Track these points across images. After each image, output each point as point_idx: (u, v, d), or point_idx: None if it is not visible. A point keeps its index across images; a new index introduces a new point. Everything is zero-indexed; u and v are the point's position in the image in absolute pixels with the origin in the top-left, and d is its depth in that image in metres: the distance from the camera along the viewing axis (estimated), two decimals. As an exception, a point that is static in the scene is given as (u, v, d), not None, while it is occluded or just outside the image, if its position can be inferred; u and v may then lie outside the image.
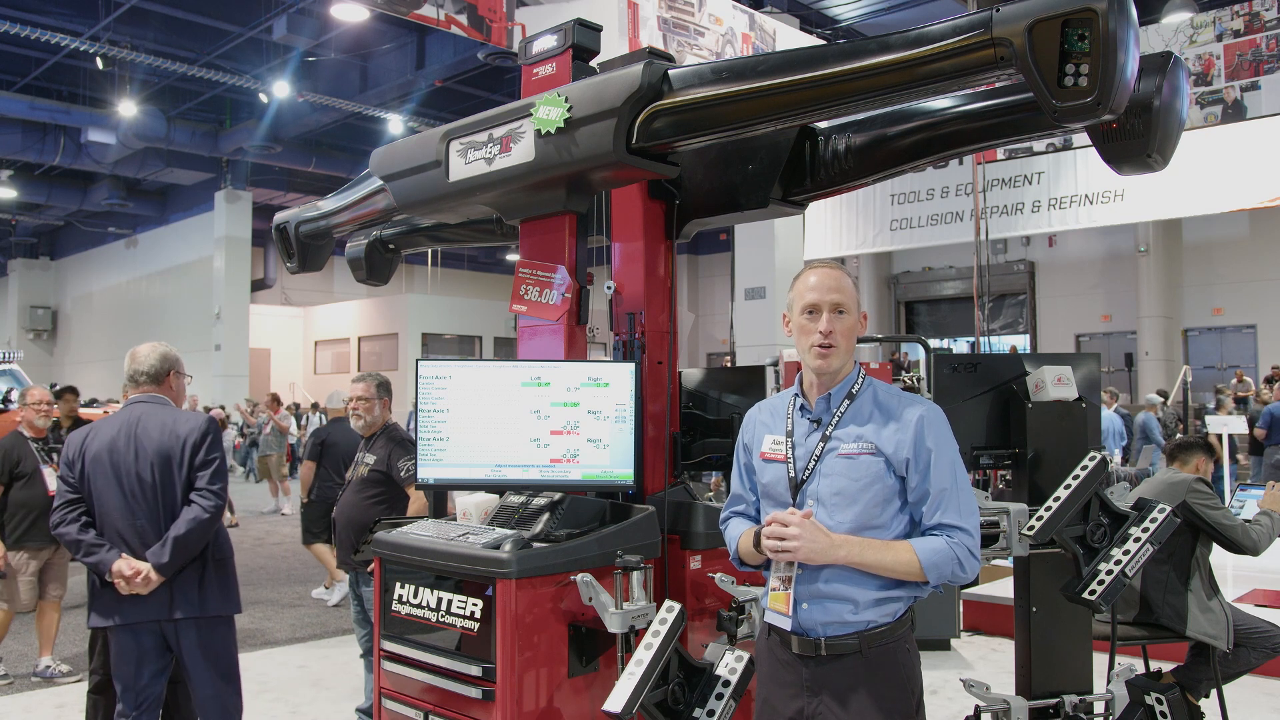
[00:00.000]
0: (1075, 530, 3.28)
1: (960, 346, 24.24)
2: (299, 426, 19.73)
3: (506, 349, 26.75)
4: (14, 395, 10.54)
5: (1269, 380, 15.13)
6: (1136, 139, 2.78)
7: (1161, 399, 15.31)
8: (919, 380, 7.68)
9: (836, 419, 2.28)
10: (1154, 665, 4.46)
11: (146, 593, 3.29)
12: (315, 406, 21.37)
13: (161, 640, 3.40)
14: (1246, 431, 12.30)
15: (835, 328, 2.25)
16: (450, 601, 2.90)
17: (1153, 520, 3.25)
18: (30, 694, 5.53)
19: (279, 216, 4.79)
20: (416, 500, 4.34)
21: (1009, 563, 3.88)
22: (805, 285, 2.30)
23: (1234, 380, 18.19)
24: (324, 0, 13.51)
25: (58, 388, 13.54)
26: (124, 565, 3.27)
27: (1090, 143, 2.89)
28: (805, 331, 2.28)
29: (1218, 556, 4.49)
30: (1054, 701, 3.52)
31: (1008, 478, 5.90)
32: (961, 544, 2.19)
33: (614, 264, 3.54)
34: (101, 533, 3.35)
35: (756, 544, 2.29)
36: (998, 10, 2.28)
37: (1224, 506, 4.36)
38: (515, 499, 3.20)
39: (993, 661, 5.98)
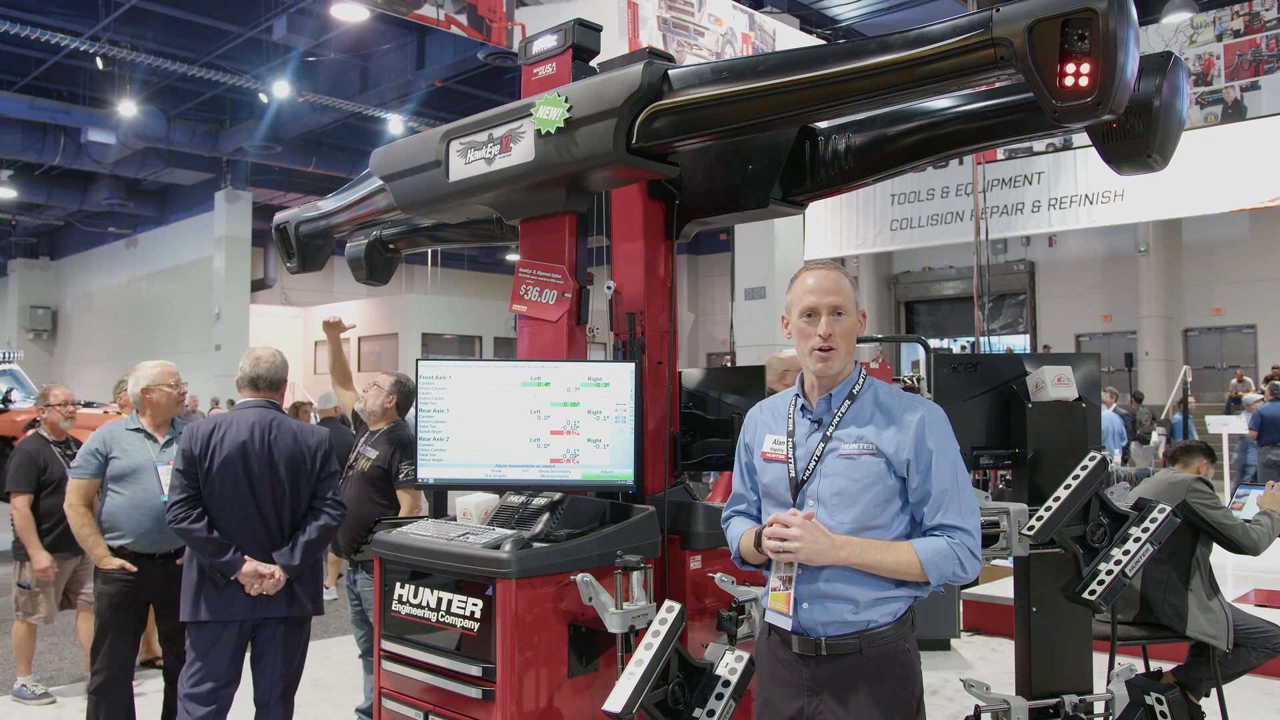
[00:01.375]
0: (1075, 530, 3.28)
1: (959, 346, 24.24)
2: None
3: (506, 349, 26.73)
4: (14, 395, 10.53)
5: (1269, 380, 15.12)
6: (1136, 139, 2.78)
7: (1135, 402, 15.22)
8: (919, 380, 7.69)
9: (837, 419, 2.28)
10: (1154, 665, 4.46)
11: (273, 593, 3.51)
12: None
13: (246, 639, 3.58)
14: (1245, 431, 12.33)
15: (834, 330, 2.25)
16: (450, 601, 2.90)
17: (1153, 520, 3.25)
18: (30, 694, 5.52)
19: (279, 216, 4.79)
20: (405, 503, 4.34)
21: (1009, 563, 3.88)
22: (803, 288, 2.30)
23: (1234, 380, 18.21)
24: (324, 0, 13.51)
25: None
26: (260, 567, 3.48)
27: (1090, 143, 2.89)
28: (804, 334, 2.28)
29: (1218, 556, 4.49)
30: (1054, 701, 3.52)
31: (1008, 478, 5.90)
32: (962, 544, 2.19)
33: (614, 264, 3.54)
34: (219, 531, 3.48)
35: (758, 544, 2.29)
36: (998, 10, 2.28)
37: (1224, 506, 4.36)
38: (515, 499, 3.20)
39: (993, 661, 5.98)
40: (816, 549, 2.17)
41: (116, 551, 3.98)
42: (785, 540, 2.17)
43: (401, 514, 4.25)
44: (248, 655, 3.63)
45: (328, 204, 4.53)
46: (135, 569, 3.96)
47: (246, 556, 3.48)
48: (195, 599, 3.50)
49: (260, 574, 3.47)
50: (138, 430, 4.13)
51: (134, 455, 4.05)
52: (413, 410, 4.18)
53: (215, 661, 3.49)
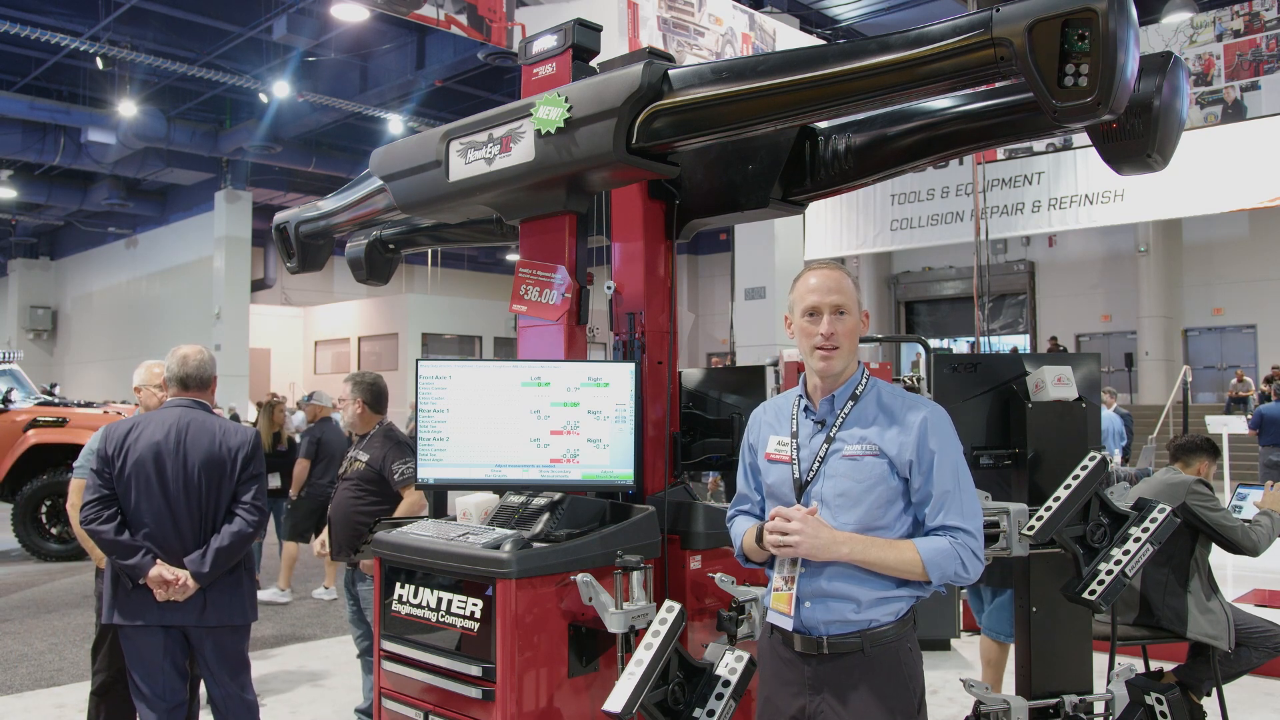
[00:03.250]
0: (1075, 530, 3.28)
1: (960, 346, 24.25)
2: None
3: (506, 349, 26.75)
4: (15, 395, 10.51)
5: (1269, 380, 15.13)
6: (1136, 139, 2.78)
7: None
8: (919, 380, 7.69)
9: (840, 420, 2.28)
10: (1154, 665, 4.45)
11: (182, 599, 3.36)
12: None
13: (183, 642, 3.46)
14: (1246, 431, 12.34)
15: (836, 329, 2.25)
16: (450, 601, 2.90)
17: (1153, 520, 3.24)
18: (31, 694, 5.53)
19: (279, 216, 4.80)
20: (407, 503, 4.34)
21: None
22: (805, 287, 2.30)
23: (1234, 380, 18.21)
24: (324, 0, 13.51)
25: (56, 388, 13.49)
26: (165, 571, 3.34)
27: (1090, 143, 2.89)
28: (807, 334, 2.28)
29: (1218, 556, 4.49)
30: (1054, 701, 3.52)
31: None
32: (965, 544, 2.19)
33: (614, 264, 3.53)
34: (131, 532, 3.37)
35: (760, 540, 2.29)
36: (998, 10, 2.28)
37: (1224, 508, 4.34)
38: (515, 499, 3.19)
39: (993, 661, 5.97)
40: (818, 543, 2.16)
41: None
42: (786, 534, 2.18)
43: (400, 513, 4.25)
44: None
45: (328, 204, 4.53)
46: None
47: (160, 561, 3.34)
48: (111, 601, 3.42)
49: (165, 579, 3.32)
50: None
51: None
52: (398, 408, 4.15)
53: (145, 666, 3.40)
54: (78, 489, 4.04)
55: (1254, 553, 4.24)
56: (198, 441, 3.44)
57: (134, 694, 3.46)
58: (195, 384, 3.60)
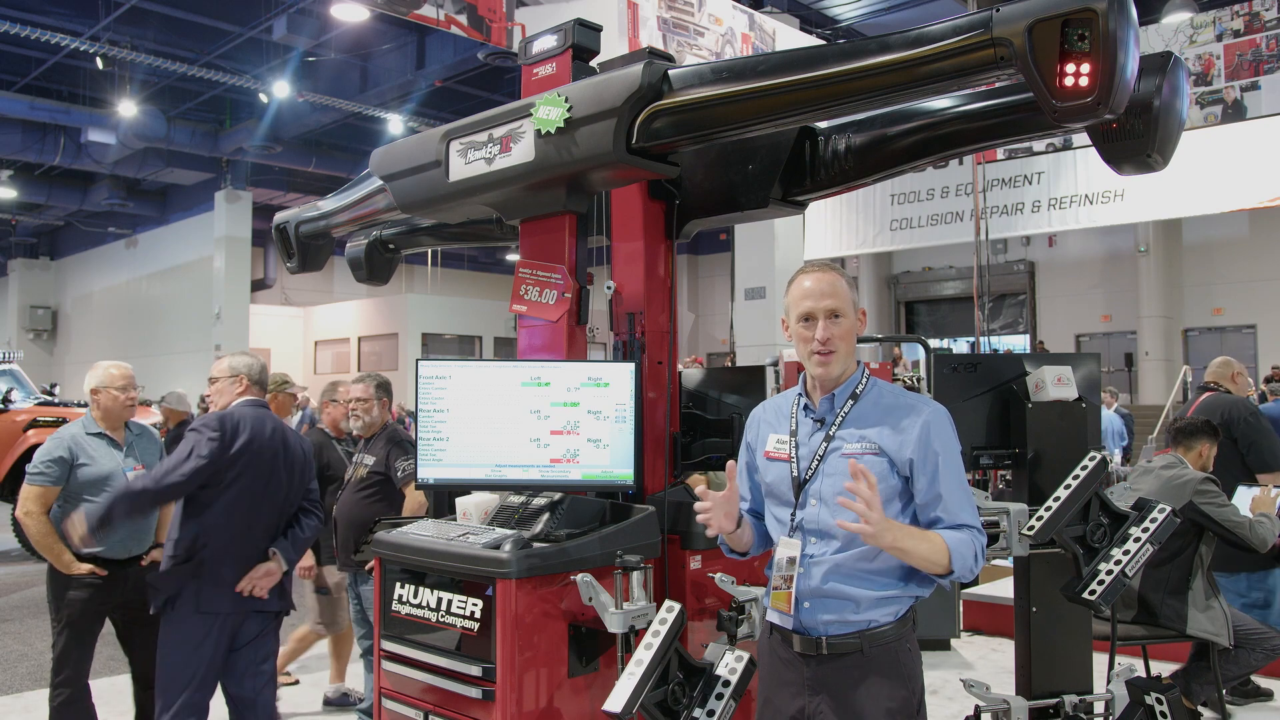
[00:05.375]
0: (1075, 530, 3.28)
1: (960, 346, 24.23)
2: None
3: (506, 349, 26.73)
4: (15, 395, 10.51)
5: (1269, 380, 15.11)
6: (1136, 139, 2.78)
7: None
8: (919, 380, 7.69)
9: (840, 419, 2.28)
10: (1154, 670, 4.44)
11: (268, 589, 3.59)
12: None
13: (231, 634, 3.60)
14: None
15: (832, 333, 2.25)
16: (450, 601, 2.90)
17: (1153, 520, 3.24)
18: (31, 694, 5.52)
19: (279, 216, 4.80)
20: (412, 500, 4.33)
21: (1009, 563, 3.88)
22: (799, 291, 2.30)
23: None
24: (324, 0, 13.51)
25: (56, 387, 13.48)
26: (272, 564, 3.58)
27: (1090, 143, 2.89)
28: (803, 339, 2.29)
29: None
30: (1054, 701, 3.52)
31: (1008, 478, 5.87)
32: (977, 540, 2.20)
33: (614, 264, 3.54)
34: (249, 525, 3.53)
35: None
36: (998, 10, 2.28)
37: (1232, 504, 4.32)
38: (515, 499, 3.20)
39: (993, 661, 5.98)
40: (880, 529, 2.08)
41: (89, 559, 3.84)
42: (869, 508, 2.06)
43: (407, 511, 4.24)
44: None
45: (328, 204, 4.54)
46: (105, 572, 3.86)
47: (275, 551, 3.57)
48: (195, 593, 3.44)
49: (271, 573, 3.56)
50: (99, 435, 4.02)
51: (103, 462, 3.96)
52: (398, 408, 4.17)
53: (198, 657, 3.45)
54: (30, 496, 3.85)
55: (1261, 549, 4.23)
56: (288, 441, 3.67)
57: (165, 686, 3.47)
58: (262, 388, 3.77)
